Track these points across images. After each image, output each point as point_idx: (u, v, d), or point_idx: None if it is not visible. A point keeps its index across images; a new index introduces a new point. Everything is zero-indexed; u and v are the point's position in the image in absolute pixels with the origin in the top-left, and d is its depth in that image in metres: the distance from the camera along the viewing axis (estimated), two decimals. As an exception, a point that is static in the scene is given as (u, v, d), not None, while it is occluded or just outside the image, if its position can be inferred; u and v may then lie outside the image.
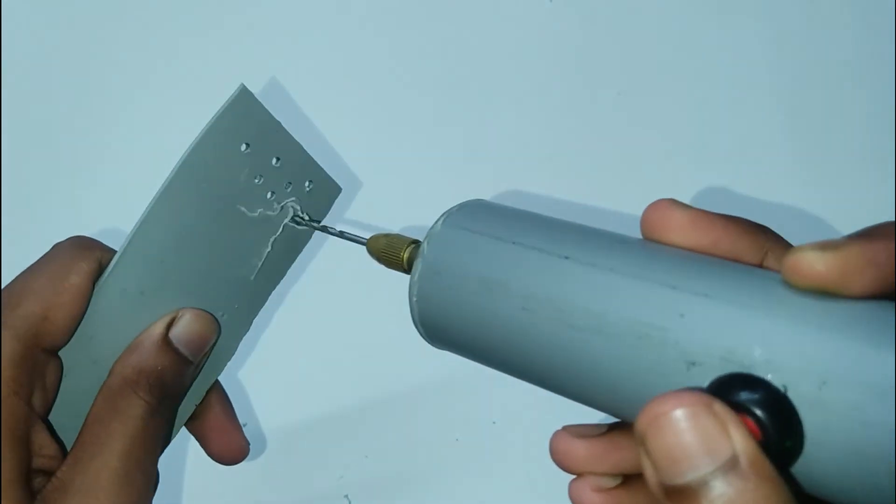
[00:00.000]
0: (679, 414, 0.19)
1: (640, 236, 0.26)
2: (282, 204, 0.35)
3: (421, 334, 0.29)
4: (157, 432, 0.31)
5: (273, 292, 0.37)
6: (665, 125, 0.55)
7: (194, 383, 0.35)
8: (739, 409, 0.20)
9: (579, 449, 0.27)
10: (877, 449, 0.19)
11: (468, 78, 0.55)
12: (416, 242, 0.30)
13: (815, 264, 0.21)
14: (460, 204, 0.28)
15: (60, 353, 0.31)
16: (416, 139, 0.54)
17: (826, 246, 0.21)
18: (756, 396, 0.20)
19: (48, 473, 0.30)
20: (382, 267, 0.31)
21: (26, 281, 0.30)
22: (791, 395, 0.20)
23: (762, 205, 0.53)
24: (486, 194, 0.30)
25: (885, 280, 0.21)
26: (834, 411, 0.19)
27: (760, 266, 0.25)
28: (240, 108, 0.31)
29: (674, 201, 0.25)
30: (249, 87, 0.32)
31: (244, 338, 0.37)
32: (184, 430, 0.36)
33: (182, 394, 0.33)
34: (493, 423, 0.50)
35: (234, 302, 0.35)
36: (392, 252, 0.30)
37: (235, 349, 0.37)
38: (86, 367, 0.32)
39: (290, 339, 0.49)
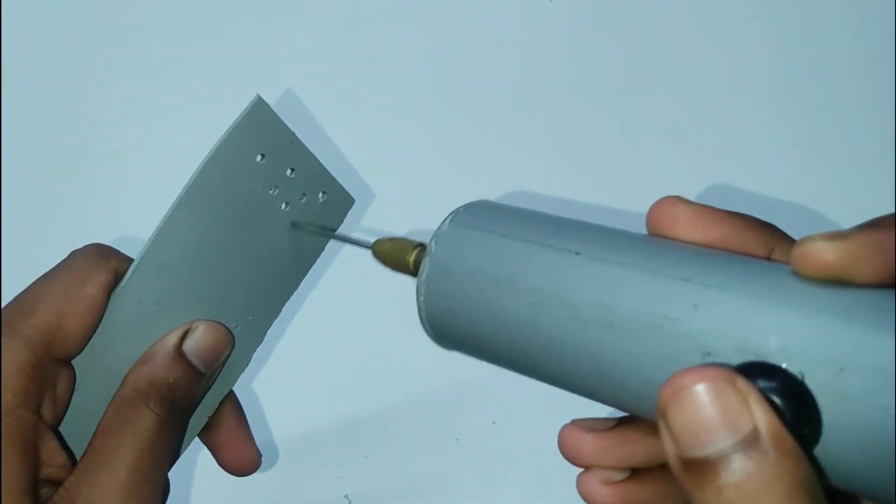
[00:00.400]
0: (701, 388, 0.19)
1: (645, 233, 0.26)
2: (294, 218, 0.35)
3: (428, 334, 0.28)
4: (168, 445, 0.31)
5: (287, 303, 0.37)
6: (666, 124, 0.55)
7: (207, 395, 0.34)
8: None
9: (588, 442, 0.27)
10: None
11: (471, 82, 0.55)
12: (422, 245, 0.30)
13: (825, 253, 0.21)
14: (467, 203, 0.28)
15: (74, 362, 0.31)
16: (425, 147, 0.54)
17: (835, 236, 0.21)
18: (773, 385, 0.20)
19: (56, 484, 0.29)
20: (390, 274, 0.31)
21: (40, 289, 0.30)
22: (808, 382, 0.20)
23: (764, 201, 0.53)
24: (492, 197, 0.30)
25: (892, 268, 0.21)
26: (851, 398, 0.19)
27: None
28: (256, 118, 0.31)
29: (680, 198, 0.25)
30: (265, 98, 0.32)
31: (258, 349, 0.37)
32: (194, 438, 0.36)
33: (194, 406, 0.33)
34: (493, 423, 0.50)
35: (248, 313, 0.35)
36: (398, 254, 0.30)
37: (249, 360, 0.37)
38: (99, 377, 0.32)
39: (303, 350, 0.49)
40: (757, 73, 0.56)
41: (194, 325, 0.33)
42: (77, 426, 0.31)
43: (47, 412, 0.30)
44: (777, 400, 0.19)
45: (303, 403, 0.50)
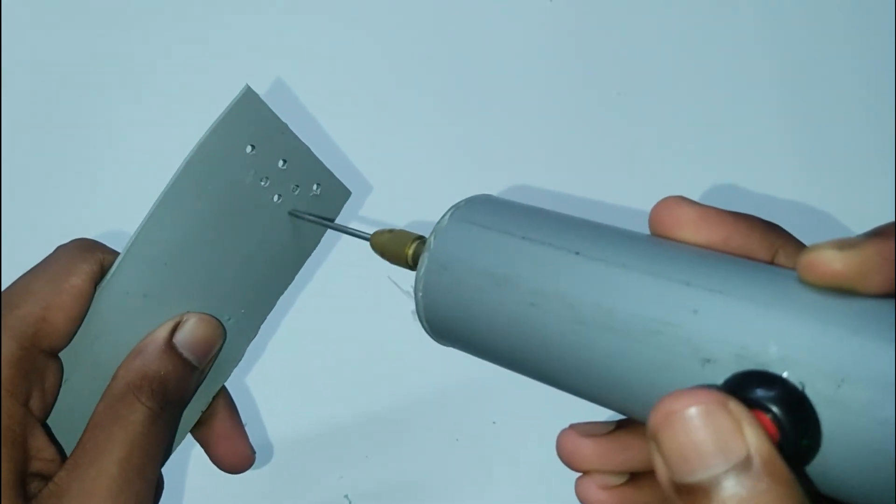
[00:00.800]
0: (693, 412, 0.19)
1: (647, 233, 0.26)
2: (288, 208, 0.34)
3: (426, 330, 0.28)
4: (160, 439, 0.31)
5: (281, 297, 0.37)
6: (667, 124, 0.54)
7: (200, 389, 0.34)
8: (756, 406, 0.19)
9: (586, 447, 0.27)
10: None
11: (470, 77, 0.55)
12: (421, 238, 0.29)
13: (833, 262, 0.20)
14: (468, 198, 0.28)
15: (62, 356, 0.31)
16: (422, 140, 0.54)
17: (843, 245, 0.21)
18: (773, 394, 0.19)
19: (46, 478, 0.29)
20: (388, 267, 0.31)
21: (26, 282, 0.30)
22: (808, 392, 0.19)
23: (767, 201, 0.53)
24: (493, 191, 0.30)
25: None
26: (852, 409, 0.19)
27: (772, 264, 0.24)
28: (245, 108, 0.31)
29: (683, 198, 0.25)
30: (254, 88, 0.31)
31: (251, 343, 0.36)
32: (187, 435, 0.36)
33: (186, 400, 0.33)
34: (493, 423, 0.50)
35: (240, 306, 0.35)
36: (396, 246, 0.30)
37: (242, 355, 0.36)
38: (88, 371, 0.31)
39: (298, 345, 0.49)
40: (759, 72, 0.55)
41: (185, 318, 0.33)
42: (66, 420, 0.31)
43: (35, 405, 0.30)
44: (776, 410, 0.19)
45: (299, 401, 0.49)
